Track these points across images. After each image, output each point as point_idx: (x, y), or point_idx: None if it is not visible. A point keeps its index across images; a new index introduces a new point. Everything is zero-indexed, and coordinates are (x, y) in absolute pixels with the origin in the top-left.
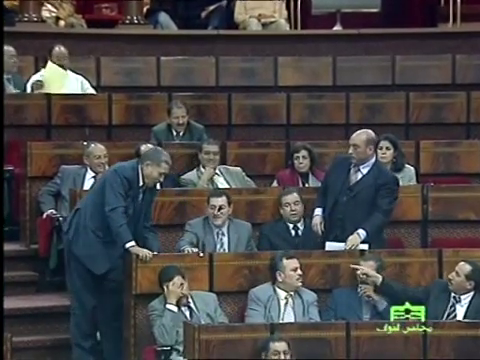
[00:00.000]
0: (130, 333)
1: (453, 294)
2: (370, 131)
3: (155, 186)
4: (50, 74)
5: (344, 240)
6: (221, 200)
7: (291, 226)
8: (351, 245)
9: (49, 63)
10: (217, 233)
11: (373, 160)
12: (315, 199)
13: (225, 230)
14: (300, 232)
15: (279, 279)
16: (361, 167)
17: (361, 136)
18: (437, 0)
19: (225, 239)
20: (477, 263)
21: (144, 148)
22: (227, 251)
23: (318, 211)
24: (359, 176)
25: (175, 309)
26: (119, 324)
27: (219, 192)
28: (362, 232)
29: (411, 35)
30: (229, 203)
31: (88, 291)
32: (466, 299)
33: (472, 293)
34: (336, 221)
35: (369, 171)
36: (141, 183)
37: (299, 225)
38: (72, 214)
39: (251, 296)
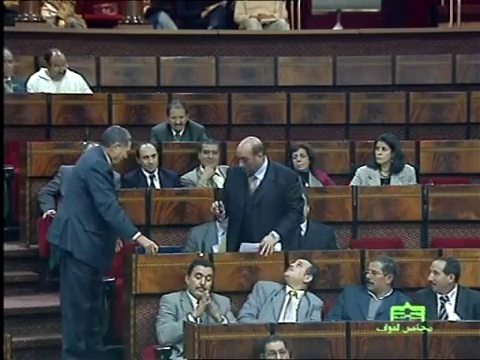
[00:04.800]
0: (130, 333)
1: (439, 295)
2: (254, 138)
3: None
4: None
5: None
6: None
7: None
8: (266, 246)
9: (35, 75)
10: (222, 233)
11: (265, 163)
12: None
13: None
14: (303, 233)
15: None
16: (256, 174)
17: (246, 147)
18: (437, 0)
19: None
20: (449, 257)
21: (144, 148)
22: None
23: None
24: (257, 183)
25: (192, 320)
26: (103, 329)
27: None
28: (276, 234)
29: (411, 35)
30: None
31: (85, 295)
32: (452, 296)
33: (456, 289)
34: (245, 233)
35: (265, 175)
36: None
37: (302, 226)
38: (61, 227)
39: (256, 286)
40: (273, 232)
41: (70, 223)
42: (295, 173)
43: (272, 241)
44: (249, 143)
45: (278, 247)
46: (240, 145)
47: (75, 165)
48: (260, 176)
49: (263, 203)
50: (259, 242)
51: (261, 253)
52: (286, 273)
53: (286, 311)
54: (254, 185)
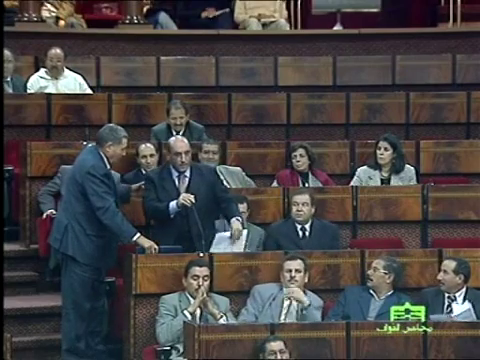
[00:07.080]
0: (130, 333)
1: (447, 295)
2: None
3: None
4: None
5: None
6: (242, 207)
7: (299, 227)
8: (238, 232)
9: (35, 75)
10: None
11: None
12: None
13: None
14: (307, 233)
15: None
16: (185, 172)
17: (186, 142)
18: (437, 0)
19: None
20: (460, 258)
21: (142, 147)
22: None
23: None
24: (186, 181)
25: (190, 317)
26: (103, 329)
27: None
28: (239, 218)
29: (411, 35)
30: (248, 207)
31: (86, 295)
32: (460, 296)
33: (464, 289)
34: (183, 231)
35: (191, 172)
36: (108, 167)
37: (306, 226)
38: (61, 232)
39: (252, 291)
40: (237, 217)
41: (70, 227)
42: (214, 167)
43: (239, 225)
44: (183, 139)
45: (245, 232)
46: (177, 142)
47: (71, 167)
48: (187, 173)
49: (199, 200)
50: (196, 238)
51: (237, 239)
52: (290, 289)
53: (286, 317)
54: (183, 183)
